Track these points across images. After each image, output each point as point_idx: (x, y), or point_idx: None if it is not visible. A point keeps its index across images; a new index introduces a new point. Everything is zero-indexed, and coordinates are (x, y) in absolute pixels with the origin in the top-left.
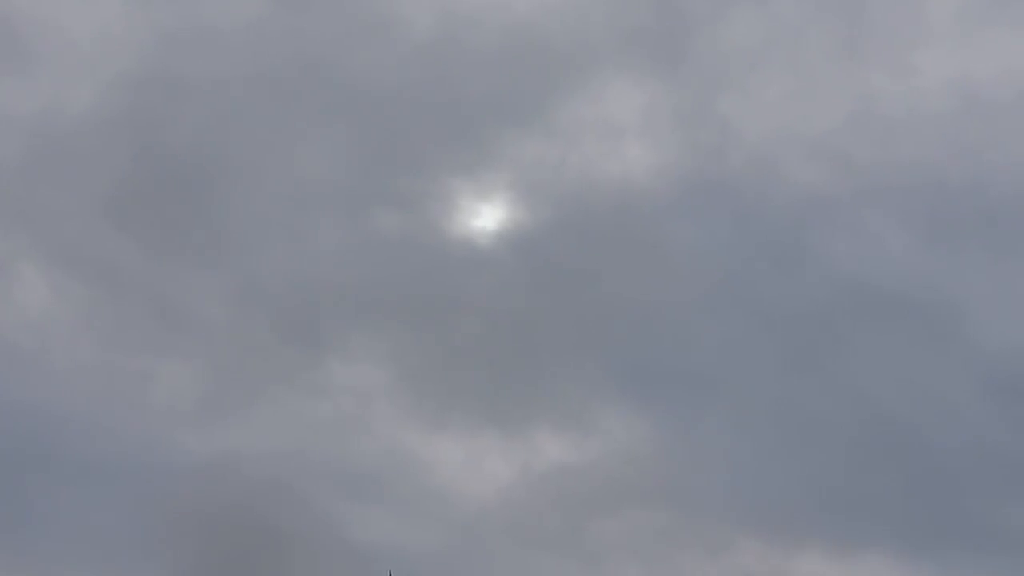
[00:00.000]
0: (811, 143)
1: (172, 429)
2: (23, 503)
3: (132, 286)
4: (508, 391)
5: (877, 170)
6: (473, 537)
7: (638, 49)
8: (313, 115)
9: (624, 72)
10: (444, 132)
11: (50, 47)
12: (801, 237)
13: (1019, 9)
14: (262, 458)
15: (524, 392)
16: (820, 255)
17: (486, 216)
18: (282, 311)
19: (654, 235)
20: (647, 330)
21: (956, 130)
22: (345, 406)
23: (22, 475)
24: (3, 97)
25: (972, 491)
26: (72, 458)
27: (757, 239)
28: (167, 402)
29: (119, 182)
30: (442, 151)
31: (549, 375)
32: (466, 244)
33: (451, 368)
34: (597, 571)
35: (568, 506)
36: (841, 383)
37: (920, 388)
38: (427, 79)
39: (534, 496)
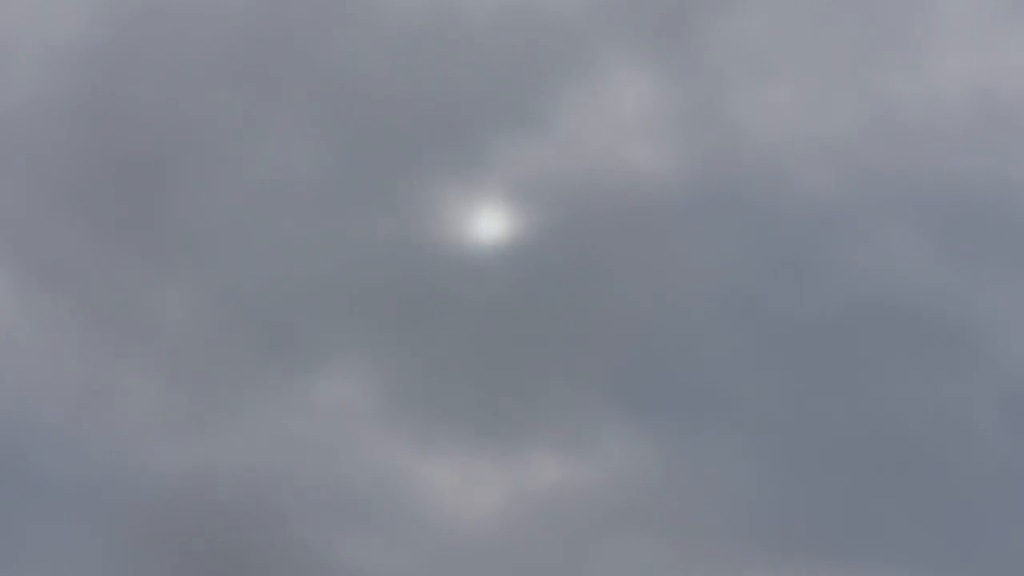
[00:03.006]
0: (825, 149)
1: (143, 446)
2: None
3: (91, 289)
4: (502, 409)
5: (894, 178)
6: (465, 563)
7: (643, 45)
8: (291, 106)
9: (628, 70)
10: (434, 131)
11: None
12: (814, 247)
13: None
14: (239, 477)
15: (520, 410)
16: (834, 267)
17: (479, 222)
18: (260, 320)
19: (659, 244)
20: (651, 345)
21: (977, 138)
22: (328, 423)
23: None
24: None
25: (992, 512)
26: (36, 475)
27: (768, 249)
28: (136, 417)
29: (77, 174)
30: (432, 151)
31: (546, 392)
32: (457, 252)
33: (441, 384)
34: None
35: (566, 531)
36: (856, 401)
37: (938, 406)
38: (415, 71)
39: (530, 520)
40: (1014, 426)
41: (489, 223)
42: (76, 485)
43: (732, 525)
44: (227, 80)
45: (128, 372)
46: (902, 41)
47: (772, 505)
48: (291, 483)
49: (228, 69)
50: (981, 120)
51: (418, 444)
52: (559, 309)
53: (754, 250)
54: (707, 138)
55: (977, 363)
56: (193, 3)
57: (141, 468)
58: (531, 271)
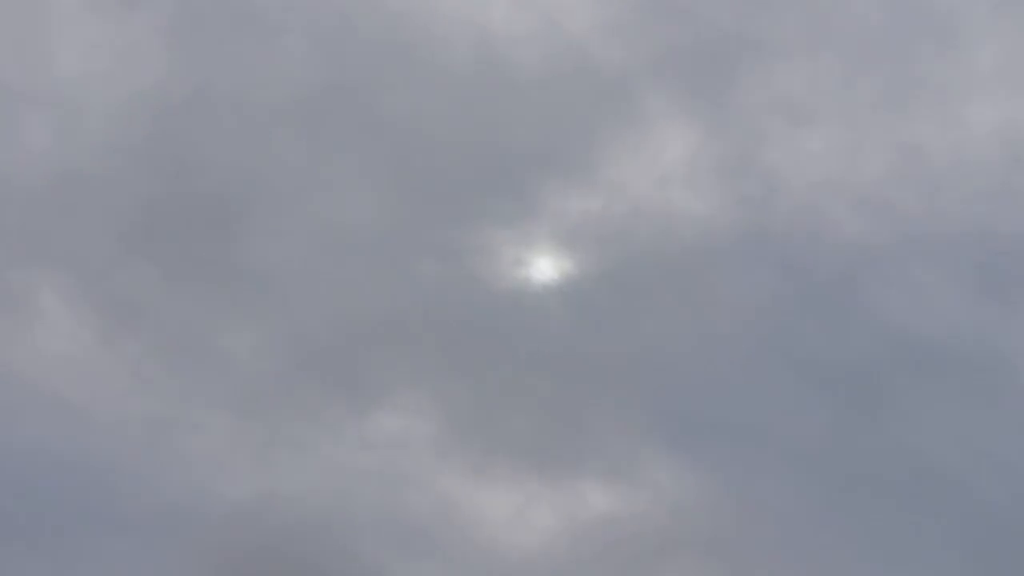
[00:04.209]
0: (858, 194)
1: (213, 474)
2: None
3: (165, 328)
4: (554, 440)
5: (925, 221)
6: None
7: (684, 96)
8: (354, 155)
9: (670, 120)
10: (489, 179)
11: (70, 69)
12: (849, 288)
13: None
14: (303, 505)
15: (571, 441)
16: (868, 307)
17: (530, 265)
18: (323, 357)
19: (700, 285)
20: (694, 381)
21: (1004, 180)
22: (387, 454)
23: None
24: (21, 122)
25: None
26: (114, 501)
27: (804, 290)
28: (207, 447)
29: (151, 220)
30: (486, 198)
31: (596, 424)
32: (510, 293)
33: (496, 417)
34: None
35: (614, 558)
36: (891, 437)
37: (971, 442)
38: (470, 122)
39: (580, 547)
40: None
41: (540, 265)
42: (151, 510)
43: (774, 553)
44: (293, 130)
45: (199, 406)
46: (933, 91)
47: (812, 535)
48: (352, 510)
49: (294, 120)
50: (1008, 165)
51: (473, 474)
52: (607, 346)
53: (791, 290)
54: (745, 184)
55: (1008, 399)
56: (260, 57)
57: (211, 495)
58: (580, 310)
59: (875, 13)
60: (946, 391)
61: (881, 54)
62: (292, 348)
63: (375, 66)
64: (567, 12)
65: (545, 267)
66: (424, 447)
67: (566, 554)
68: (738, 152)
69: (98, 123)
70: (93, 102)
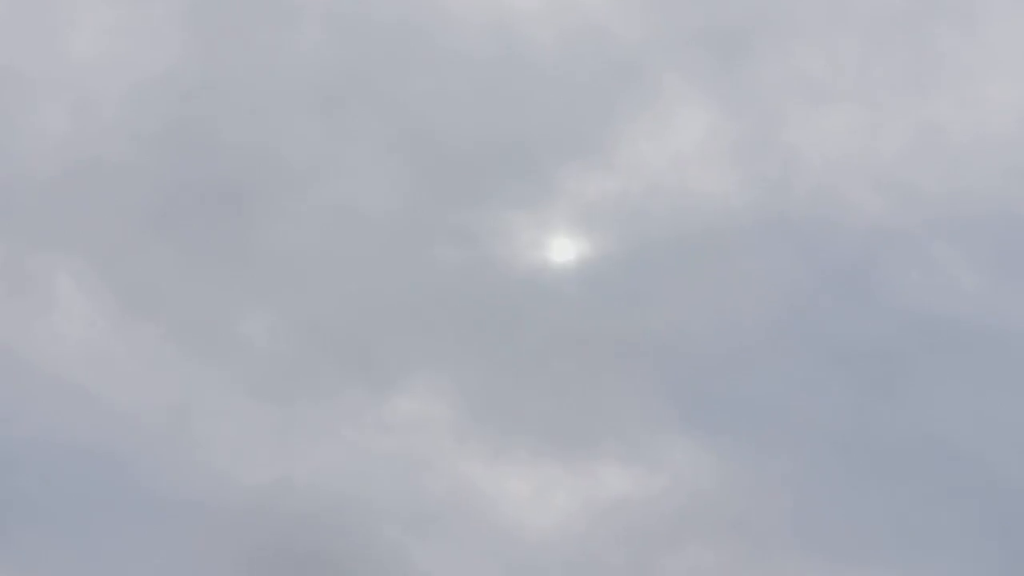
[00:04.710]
0: (876, 174)
1: (230, 459)
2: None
3: (180, 312)
4: (571, 422)
5: (945, 200)
6: (536, 570)
7: (701, 75)
8: (370, 136)
9: (687, 99)
10: (505, 160)
11: (86, 53)
12: (868, 268)
13: None
14: (320, 489)
15: (588, 423)
16: (888, 287)
17: (548, 246)
18: (339, 340)
19: (718, 265)
20: (712, 362)
21: None
22: (405, 437)
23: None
24: (36, 107)
25: None
26: (129, 487)
27: (823, 270)
28: (223, 432)
29: (166, 203)
30: (503, 179)
31: (613, 406)
32: (528, 275)
33: (513, 399)
34: None
35: (632, 540)
36: (910, 416)
37: (993, 422)
38: (485, 103)
39: (597, 529)
40: None
41: (557, 247)
42: (168, 496)
43: (794, 533)
44: (310, 114)
45: (217, 390)
46: (951, 68)
47: (832, 515)
48: (370, 494)
49: (311, 104)
50: None
51: (491, 456)
52: (625, 327)
53: (809, 270)
54: (764, 163)
55: None
56: (277, 41)
57: (229, 480)
58: (597, 292)
59: None
60: (966, 370)
61: (901, 32)
62: (309, 332)
63: (391, 48)
64: None
65: (562, 249)
66: (442, 430)
67: (584, 536)
68: (756, 131)
69: (114, 108)
70: (109, 87)
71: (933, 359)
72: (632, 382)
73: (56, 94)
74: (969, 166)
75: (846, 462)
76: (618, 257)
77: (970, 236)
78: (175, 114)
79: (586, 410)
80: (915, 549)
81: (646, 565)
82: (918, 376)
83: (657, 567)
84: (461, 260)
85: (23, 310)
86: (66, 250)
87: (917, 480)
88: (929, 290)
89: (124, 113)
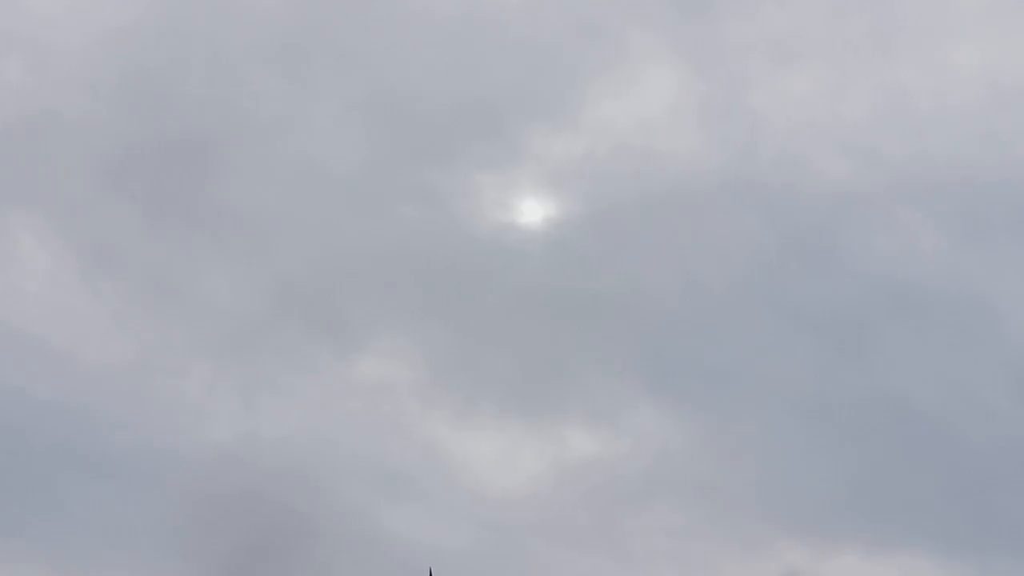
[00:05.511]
0: (841, 138)
1: (195, 416)
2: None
3: (145, 269)
4: (538, 385)
5: (909, 165)
6: (502, 530)
7: (668, 38)
8: (334, 94)
9: (653, 62)
10: (471, 121)
11: (43, 6)
12: (832, 233)
13: None
14: (285, 447)
15: (554, 386)
16: (851, 251)
17: (513, 210)
18: (306, 300)
19: (684, 228)
20: (677, 325)
21: (988, 124)
22: (371, 398)
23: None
24: None
25: (1008, 489)
26: (95, 444)
27: (788, 233)
28: (188, 389)
29: (128, 160)
30: (469, 140)
31: (579, 370)
32: (494, 236)
33: (480, 362)
34: (629, 567)
35: (598, 501)
36: (874, 380)
37: (954, 385)
38: (451, 63)
39: (564, 491)
40: None
41: (524, 208)
42: (133, 452)
43: (759, 497)
44: (273, 71)
45: (181, 348)
46: (917, 33)
47: (796, 478)
48: (335, 453)
49: (274, 60)
50: (992, 108)
51: (457, 418)
52: (590, 289)
53: (774, 232)
54: (729, 126)
55: (989, 342)
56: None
57: (193, 438)
58: (564, 254)
59: None
60: (929, 333)
61: None
62: (273, 291)
63: (357, 6)
64: None
65: (528, 210)
66: (407, 391)
67: (550, 497)
68: (722, 94)
69: (72, 61)
70: (67, 40)
71: (896, 322)
72: (598, 344)
73: (12, 46)
74: (933, 131)
75: (810, 423)
76: (584, 218)
77: (934, 200)
78: (136, 68)
79: (552, 371)
80: (876, 506)
81: (612, 525)
82: (881, 338)
83: (623, 527)
84: (427, 220)
85: None
86: (27, 205)
87: (879, 440)
88: (893, 254)
89: (83, 66)
